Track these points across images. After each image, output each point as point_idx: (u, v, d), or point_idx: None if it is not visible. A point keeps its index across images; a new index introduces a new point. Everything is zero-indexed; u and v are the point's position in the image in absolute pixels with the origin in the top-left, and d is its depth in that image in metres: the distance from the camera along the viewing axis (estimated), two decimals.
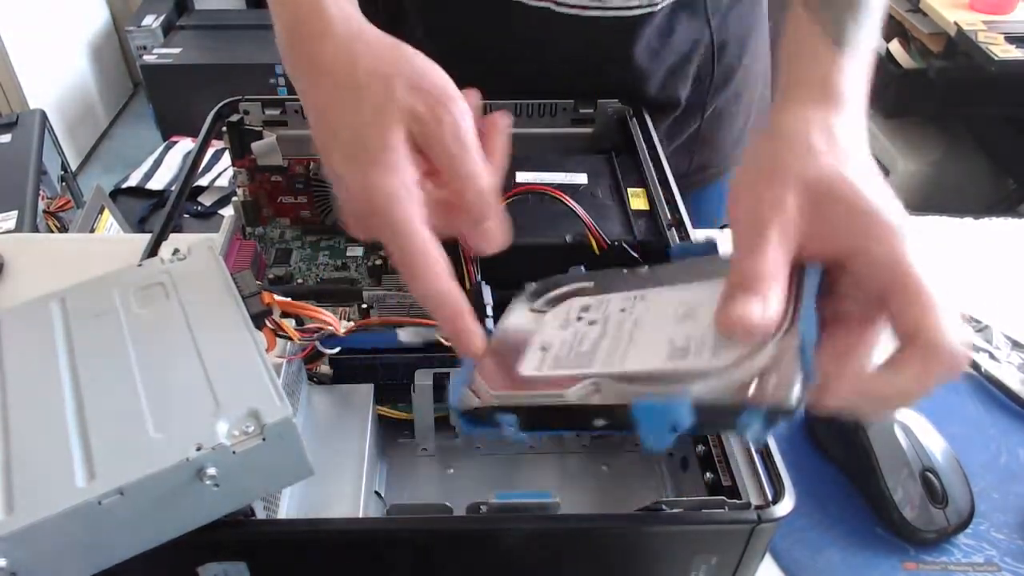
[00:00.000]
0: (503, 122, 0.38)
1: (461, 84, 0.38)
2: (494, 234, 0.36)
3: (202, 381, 0.35)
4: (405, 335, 0.46)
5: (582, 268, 0.42)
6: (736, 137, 0.78)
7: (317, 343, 0.45)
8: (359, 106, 0.36)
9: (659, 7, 0.63)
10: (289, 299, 0.43)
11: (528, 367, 0.36)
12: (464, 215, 0.36)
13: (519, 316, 0.41)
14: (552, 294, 0.41)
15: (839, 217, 0.32)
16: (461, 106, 0.36)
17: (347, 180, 0.35)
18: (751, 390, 0.29)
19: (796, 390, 0.29)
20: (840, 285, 0.33)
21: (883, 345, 0.32)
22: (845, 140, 0.34)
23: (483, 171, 0.36)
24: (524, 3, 0.61)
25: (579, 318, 0.39)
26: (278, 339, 0.43)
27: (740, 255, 0.32)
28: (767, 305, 0.30)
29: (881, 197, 0.32)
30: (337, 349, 0.46)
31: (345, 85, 0.36)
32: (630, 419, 0.31)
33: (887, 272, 0.31)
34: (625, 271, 0.41)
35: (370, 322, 0.48)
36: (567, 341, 0.37)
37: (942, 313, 0.30)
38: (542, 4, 0.61)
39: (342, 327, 0.45)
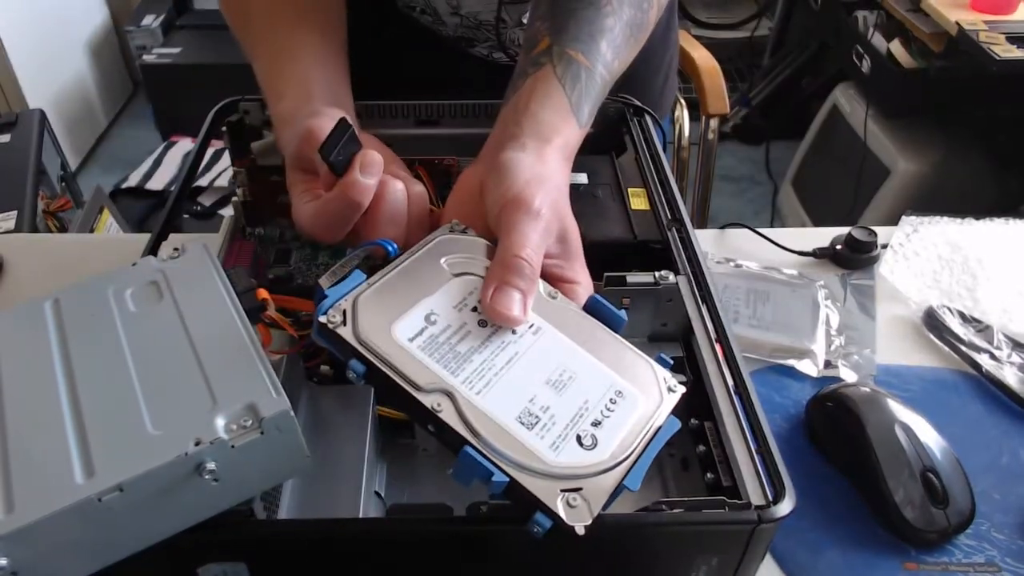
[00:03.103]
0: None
1: None
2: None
3: (198, 377, 0.35)
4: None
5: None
6: (654, 97, 0.85)
7: (312, 334, 0.45)
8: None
9: None
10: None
11: (404, 332, 0.37)
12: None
13: (429, 263, 0.41)
14: (460, 260, 0.41)
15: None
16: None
17: None
18: (558, 501, 0.33)
19: (588, 521, 0.33)
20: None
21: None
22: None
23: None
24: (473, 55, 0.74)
25: (474, 308, 0.39)
26: (281, 336, 0.43)
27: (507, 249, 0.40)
28: (526, 302, 0.39)
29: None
30: None
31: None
32: (454, 448, 0.34)
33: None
34: (541, 286, 0.41)
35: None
36: (451, 327, 0.38)
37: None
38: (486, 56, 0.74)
39: None
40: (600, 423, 0.36)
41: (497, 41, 0.73)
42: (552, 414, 0.36)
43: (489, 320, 0.39)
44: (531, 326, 0.39)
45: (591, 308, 0.42)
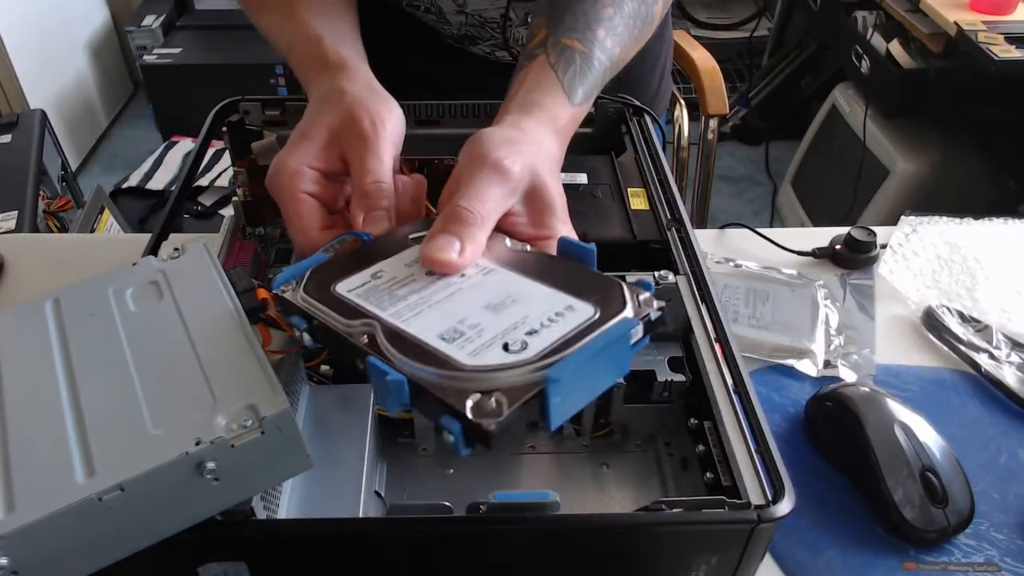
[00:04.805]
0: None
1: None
2: (381, 220, 0.43)
3: (199, 377, 0.35)
4: None
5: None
6: (650, 96, 0.84)
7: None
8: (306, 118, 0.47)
9: None
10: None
11: (345, 287, 0.37)
12: (360, 201, 0.43)
13: (393, 238, 0.41)
14: (425, 232, 0.41)
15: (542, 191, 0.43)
16: (379, 119, 0.45)
17: None
18: (468, 402, 0.30)
19: (501, 417, 0.29)
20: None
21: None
22: (546, 140, 0.46)
23: (384, 170, 0.44)
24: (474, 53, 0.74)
25: None
26: (281, 336, 0.43)
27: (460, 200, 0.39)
28: (465, 248, 0.38)
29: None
30: None
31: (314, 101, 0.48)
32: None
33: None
34: (509, 242, 0.41)
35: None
36: (397, 279, 0.38)
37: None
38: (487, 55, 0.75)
39: None
40: (536, 332, 0.33)
41: (502, 39, 0.73)
42: (481, 329, 0.33)
43: (426, 266, 0.38)
44: (483, 269, 0.38)
45: (561, 249, 0.41)
